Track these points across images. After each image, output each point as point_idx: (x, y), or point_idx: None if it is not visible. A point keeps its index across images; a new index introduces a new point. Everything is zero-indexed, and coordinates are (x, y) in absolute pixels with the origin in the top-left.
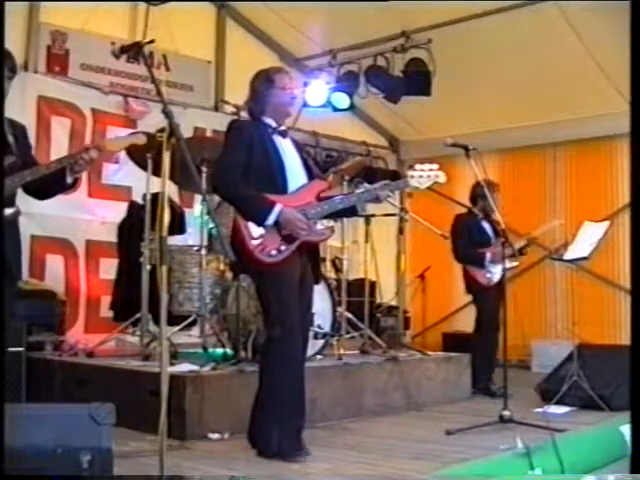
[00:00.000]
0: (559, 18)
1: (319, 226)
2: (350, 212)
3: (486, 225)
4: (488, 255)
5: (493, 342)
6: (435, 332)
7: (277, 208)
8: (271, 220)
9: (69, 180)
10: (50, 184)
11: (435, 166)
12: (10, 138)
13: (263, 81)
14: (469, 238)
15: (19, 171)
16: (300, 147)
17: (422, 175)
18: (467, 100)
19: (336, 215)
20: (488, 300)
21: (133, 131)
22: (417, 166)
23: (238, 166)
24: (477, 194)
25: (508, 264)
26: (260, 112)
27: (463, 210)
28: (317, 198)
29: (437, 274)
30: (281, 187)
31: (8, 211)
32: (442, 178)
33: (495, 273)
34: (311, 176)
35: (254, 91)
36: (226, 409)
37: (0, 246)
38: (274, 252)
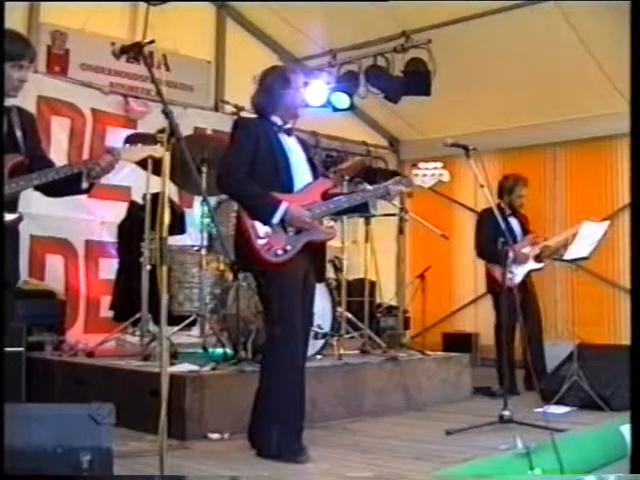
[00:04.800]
0: (559, 18)
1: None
2: (362, 209)
3: (513, 221)
4: (511, 254)
5: (507, 343)
6: (435, 332)
7: (283, 207)
8: (277, 219)
9: (84, 185)
10: (62, 186)
11: (439, 164)
12: (18, 133)
13: (279, 79)
14: (493, 234)
15: (26, 170)
16: (305, 145)
17: (426, 174)
18: (467, 100)
19: (347, 212)
20: (506, 301)
21: (152, 147)
22: (421, 165)
23: (244, 164)
24: (503, 188)
25: (532, 266)
26: (270, 110)
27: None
28: (322, 197)
29: (437, 274)
30: (287, 186)
31: (10, 217)
32: (446, 177)
33: (517, 274)
34: (316, 175)
35: (267, 88)
36: (226, 409)
37: (1, 246)
38: (280, 252)
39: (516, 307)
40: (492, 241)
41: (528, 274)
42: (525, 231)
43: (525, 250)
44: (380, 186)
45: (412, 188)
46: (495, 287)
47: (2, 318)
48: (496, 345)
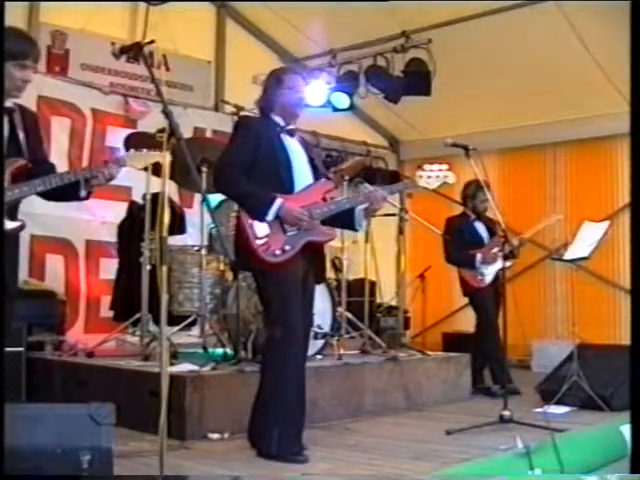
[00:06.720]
0: (559, 18)
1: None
2: (348, 224)
3: (479, 225)
4: (478, 256)
5: (496, 342)
6: (435, 332)
7: (277, 203)
8: (271, 215)
9: (82, 194)
10: (61, 192)
11: (445, 166)
12: (21, 134)
13: (273, 80)
14: (460, 240)
15: (29, 175)
16: (308, 146)
17: (431, 175)
18: (467, 100)
19: (332, 224)
20: (484, 301)
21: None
22: (426, 166)
23: (241, 163)
24: (466, 195)
25: (502, 265)
26: (269, 110)
27: (458, 212)
28: (323, 198)
29: (437, 274)
30: (287, 186)
31: (12, 225)
32: (451, 179)
33: (487, 274)
34: (318, 176)
35: (265, 89)
36: (226, 409)
37: (0, 246)
38: (278, 252)
39: (492, 305)
40: (459, 246)
41: (497, 273)
42: (492, 233)
43: (493, 251)
44: (373, 189)
45: (409, 190)
46: (468, 289)
47: (2, 319)
48: (476, 343)
